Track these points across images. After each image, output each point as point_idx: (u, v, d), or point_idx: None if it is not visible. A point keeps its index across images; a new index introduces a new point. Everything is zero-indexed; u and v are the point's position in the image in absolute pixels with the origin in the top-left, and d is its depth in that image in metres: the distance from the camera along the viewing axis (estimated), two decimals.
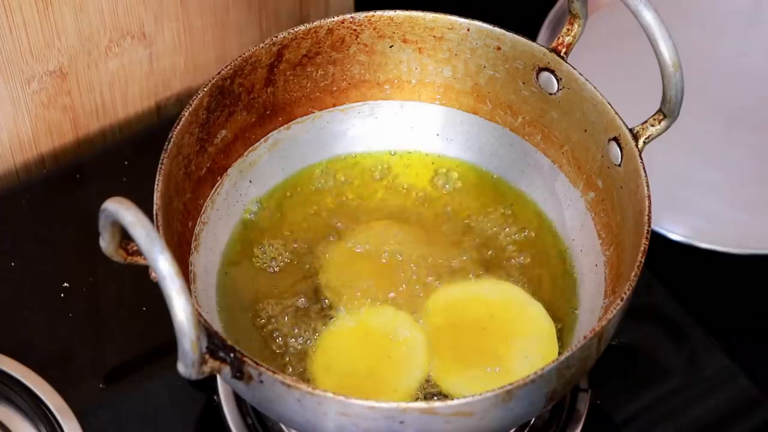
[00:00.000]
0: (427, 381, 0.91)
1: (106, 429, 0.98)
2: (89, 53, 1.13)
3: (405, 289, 0.96)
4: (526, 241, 0.99)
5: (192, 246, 0.95)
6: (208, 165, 0.97)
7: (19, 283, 1.06)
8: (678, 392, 1.02)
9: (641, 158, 0.90)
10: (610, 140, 0.93)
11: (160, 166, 0.89)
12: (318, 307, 0.95)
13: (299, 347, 0.93)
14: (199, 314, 0.78)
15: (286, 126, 1.02)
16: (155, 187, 0.88)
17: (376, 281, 0.96)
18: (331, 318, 0.94)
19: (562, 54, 0.96)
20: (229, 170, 0.99)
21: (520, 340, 0.92)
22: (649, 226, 0.86)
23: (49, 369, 0.99)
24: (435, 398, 0.90)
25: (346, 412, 0.79)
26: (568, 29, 0.96)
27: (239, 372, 0.80)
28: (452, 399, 0.79)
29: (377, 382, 0.90)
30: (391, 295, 0.95)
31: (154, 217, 0.87)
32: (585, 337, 0.81)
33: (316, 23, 0.98)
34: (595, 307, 0.93)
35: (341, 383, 0.89)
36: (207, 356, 0.77)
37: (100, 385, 1.01)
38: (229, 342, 0.80)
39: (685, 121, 0.95)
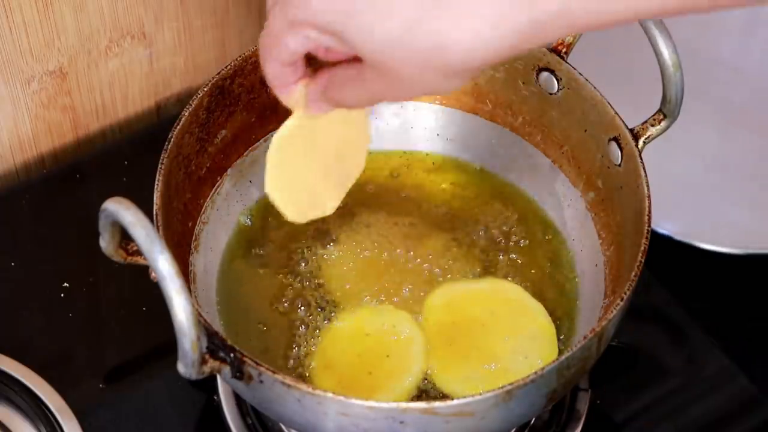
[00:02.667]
0: (426, 379, 0.91)
1: (106, 429, 0.98)
2: (89, 53, 1.13)
3: (404, 288, 0.96)
4: (526, 240, 0.99)
5: (192, 246, 0.95)
6: (208, 165, 0.97)
7: (19, 283, 1.06)
8: (678, 392, 1.02)
9: (641, 158, 0.90)
10: (610, 140, 0.93)
11: (160, 166, 0.89)
12: (317, 307, 0.95)
13: (299, 347, 0.93)
14: (199, 314, 0.78)
15: None
16: (155, 187, 0.88)
17: (376, 280, 0.96)
18: (331, 317, 0.94)
19: (562, 54, 0.96)
20: (229, 170, 0.99)
21: (520, 339, 0.92)
22: (649, 226, 0.86)
23: (49, 369, 0.99)
24: (433, 398, 0.90)
25: (346, 412, 0.79)
26: None
27: (239, 372, 0.80)
28: (452, 399, 0.79)
29: (376, 380, 0.90)
30: (391, 294, 0.95)
31: (154, 217, 0.87)
32: (585, 337, 0.81)
33: None
34: (595, 307, 0.93)
35: (340, 382, 0.89)
36: (207, 356, 0.77)
37: (100, 385, 1.01)
38: (229, 342, 0.80)
39: (685, 121, 0.95)
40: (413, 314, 0.94)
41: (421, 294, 0.95)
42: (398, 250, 0.98)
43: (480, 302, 0.94)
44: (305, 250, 0.98)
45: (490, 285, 0.96)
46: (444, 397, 0.90)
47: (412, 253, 0.98)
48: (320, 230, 0.99)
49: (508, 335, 0.92)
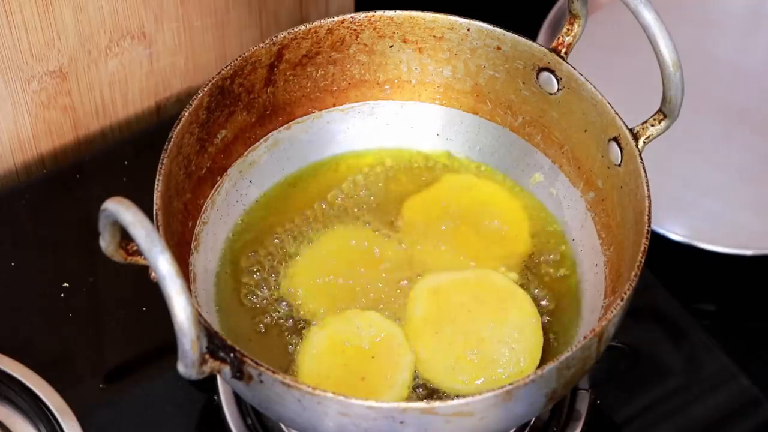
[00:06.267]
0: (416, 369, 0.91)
1: (106, 429, 0.98)
2: (89, 53, 1.13)
3: (404, 285, 0.96)
4: (525, 241, 0.99)
5: (192, 246, 0.95)
6: (208, 165, 0.97)
7: (19, 283, 1.06)
8: (678, 392, 1.02)
9: (641, 158, 0.90)
10: (610, 140, 0.93)
11: (160, 166, 0.89)
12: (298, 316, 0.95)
13: (298, 346, 0.93)
14: (199, 314, 0.78)
15: (286, 126, 1.02)
16: (155, 187, 0.88)
17: (373, 280, 0.96)
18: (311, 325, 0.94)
19: (562, 54, 0.96)
20: (229, 170, 0.99)
21: (506, 327, 0.92)
22: (649, 226, 0.86)
23: (49, 369, 0.99)
24: (432, 397, 0.90)
25: (346, 412, 0.79)
26: (568, 29, 0.96)
27: (239, 372, 0.80)
28: (452, 398, 0.79)
29: (372, 383, 0.90)
30: (379, 294, 0.95)
31: (154, 217, 0.87)
32: (585, 337, 0.81)
33: (316, 23, 0.98)
34: (595, 307, 0.93)
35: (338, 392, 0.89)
36: (207, 356, 0.77)
37: (100, 385, 1.01)
38: (229, 342, 0.80)
39: (685, 121, 0.95)
40: (385, 311, 0.94)
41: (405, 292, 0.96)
42: (397, 249, 0.98)
43: (466, 290, 0.94)
44: (304, 250, 0.98)
45: (476, 274, 0.96)
46: (428, 387, 0.90)
47: (409, 251, 0.98)
48: (320, 231, 0.99)
49: (494, 322, 0.92)
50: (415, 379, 0.91)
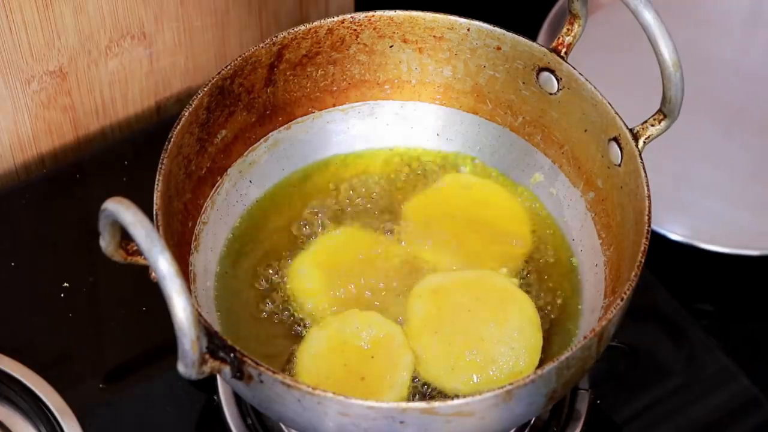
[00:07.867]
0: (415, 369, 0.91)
1: (106, 429, 0.98)
2: (89, 53, 1.13)
3: (404, 285, 0.96)
4: (525, 241, 0.99)
5: (192, 246, 0.95)
6: (208, 165, 0.97)
7: (19, 283, 1.06)
8: (678, 392, 1.02)
9: (641, 158, 0.90)
10: (610, 140, 0.93)
11: (160, 166, 0.89)
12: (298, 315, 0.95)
13: (300, 346, 0.93)
14: (199, 314, 0.78)
15: (286, 126, 1.02)
16: (155, 187, 0.88)
17: (373, 280, 0.96)
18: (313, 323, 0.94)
19: (562, 54, 0.96)
20: (229, 170, 0.99)
21: (505, 328, 0.92)
22: (649, 226, 0.86)
23: (49, 369, 0.99)
24: (433, 397, 0.90)
25: (346, 412, 0.79)
26: (568, 29, 0.96)
27: (239, 372, 0.80)
28: (452, 398, 0.79)
29: (371, 383, 0.90)
30: (378, 294, 0.95)
31: (154, 217, 0.87)
32: (585, 337, 0.81)
33: (316, 23, 0.98)
34: (595, 307, 0.93)
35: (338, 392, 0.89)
36: (207, 356, 0.77)
37: (100, 385, 1.01)
38: (229, 342, 0.80)
39: (685, 121, 0.95)
40: (394, 313, 0.94)
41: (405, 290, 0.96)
42: (395, 248, 0.98)
43: (467, 290, 0.94)
44: (302, 250, 0.98)
45: (476, 274, 0.96)
46: (428, 387, 0.90)
47: (408, 251, 0.98)
48: (319, 231, 0.99)
49: (494, 322, 0.92)
50: (414, 379, 0.91)
